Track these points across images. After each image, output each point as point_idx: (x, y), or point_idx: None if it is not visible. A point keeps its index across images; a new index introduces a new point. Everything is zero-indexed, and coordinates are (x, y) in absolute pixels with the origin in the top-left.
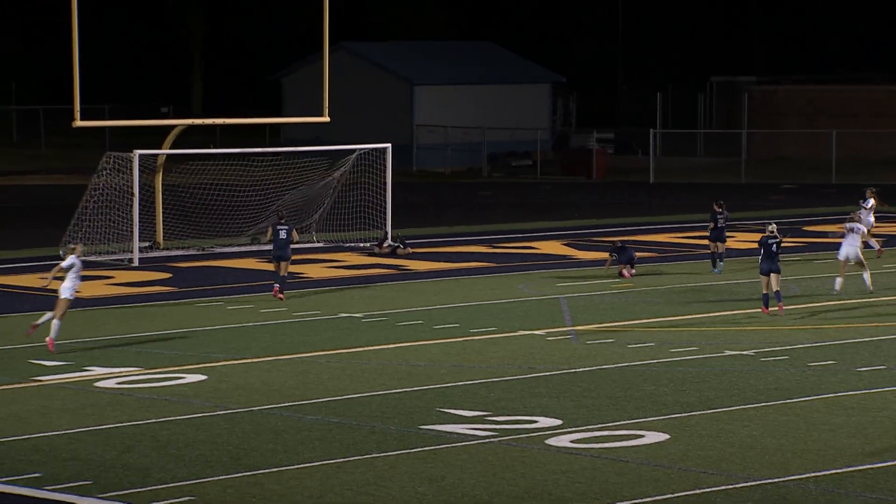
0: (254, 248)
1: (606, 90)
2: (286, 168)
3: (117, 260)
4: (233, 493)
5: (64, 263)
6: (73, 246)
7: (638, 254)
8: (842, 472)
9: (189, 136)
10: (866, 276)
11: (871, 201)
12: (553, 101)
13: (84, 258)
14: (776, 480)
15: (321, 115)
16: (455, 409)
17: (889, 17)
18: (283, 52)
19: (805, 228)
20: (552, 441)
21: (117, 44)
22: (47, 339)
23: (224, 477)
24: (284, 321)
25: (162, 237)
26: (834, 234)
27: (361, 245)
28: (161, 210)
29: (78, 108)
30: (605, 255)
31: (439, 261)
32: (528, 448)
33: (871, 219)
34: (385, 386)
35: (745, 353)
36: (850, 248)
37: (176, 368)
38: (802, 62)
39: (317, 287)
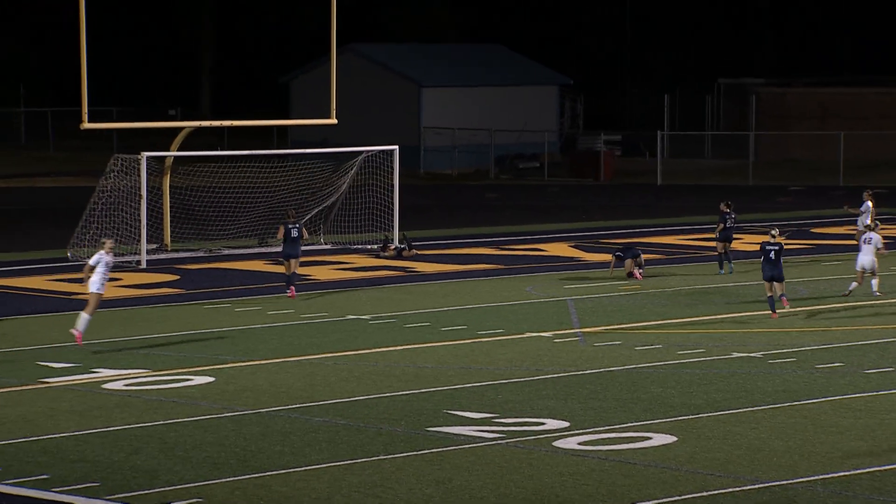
0: (261, 249)
1: (614, 92)
2: (294, 170)
3: (125, 262)
4: (240, 494)
5: (91, 260)
6: (103, 241)
7: (645, 256)
8: (850, 475)
9: (197, 139)
10: (874, 281)
11: (869, 203)
12: (560, 103)
13: (114, 255)
14: (784, 482)
15: (329, 117)
16: (462, 410)
17: None
18: (290, 54)
19: (813, 230)
20: (559, 443)
21: (125, 46)
22: (74, 331)
23: (232, 479)
24: (292, 323)
25: (169, 239)
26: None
27: (368, 247)
28: (169, 212)
29: (86, 111)
30: (610, 257)
31: (447, 263)
32: (536, 450)
33: (868, 221)
34: (392, 388)
35: (752, 355)
36: (865, 257)
37: (183, 370)
38: (810, 64)
39: (324, 289)
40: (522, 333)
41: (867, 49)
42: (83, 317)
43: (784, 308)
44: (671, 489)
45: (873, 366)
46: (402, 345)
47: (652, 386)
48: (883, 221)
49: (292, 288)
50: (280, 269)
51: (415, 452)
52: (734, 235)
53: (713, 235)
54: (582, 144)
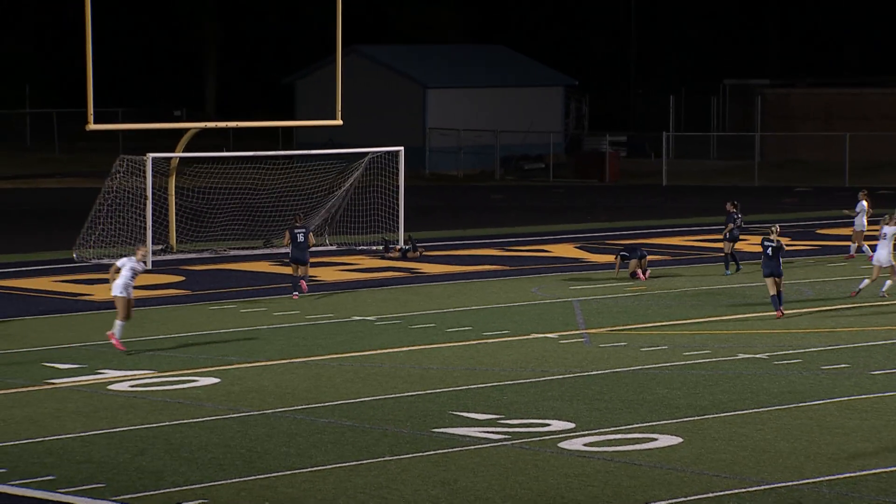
0: (267, 251)
1: (619, 93)
2: (299, 171)
3: None
4: (246, 496)
5: (118, 262)
6: (137, 247)
7: (651, 257)
8: (856, 476)
9: (202, 140)
10: (888, 282)
11: (864, 203)
12: (566, 104)
13: (144, 264)
14: (790, 484)
15: (334, 118)
16: (468, 412)
17: None
18: (296, 55)
19: (818, 231)
20: (565, 444)
21: (131, 47)
22: (109, 333)
23: (237, 480)
24: (297, 324)
25: (175, 240)
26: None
27: (373, 248)
28: (174, 213)
29: (91, 112)
30: (613, 258)
31: (452, 264)
32: (541, 451)
33: (864, 221)
34: (398, 389)
35: (758, 356)
36: (882, 251)
37: (189, 371)
38: (816, 65)
39: (330, 290)
40: (528, 334)
41: (872, 50)
42: (117, 324)
43: (777, 317)
44: (677, 490)
45: (879, 367)
46: (407, 346)
47: (657, 387)
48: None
49: (299, 288)
50: (286, 270)
51: (420, 453)
52: (741, 236)
53: (721, 236)
54: (587, 145)
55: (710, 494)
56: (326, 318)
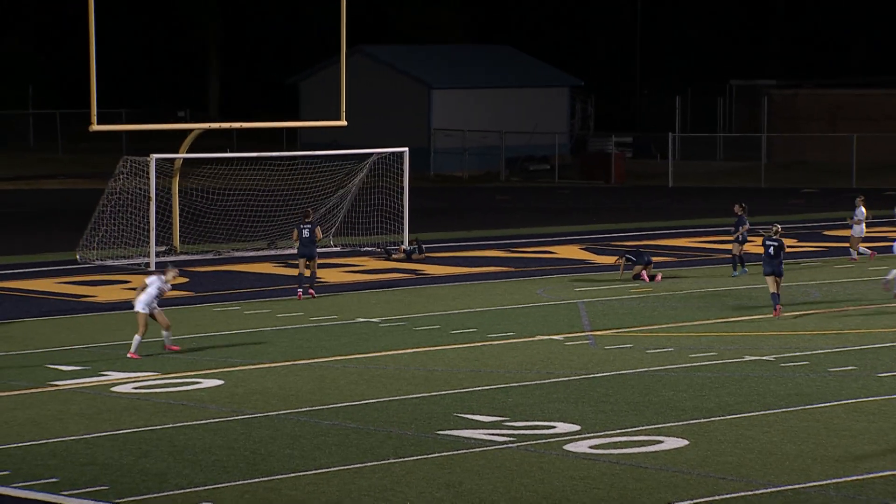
0: (271, 252)
1: (625, 94)
2: (303, 172)
3: (134, 264)
4: (250, 498)
5: (147, 279)
6: (168, 268)
7: (657, 258)
8: (863, 479)
9: (206, 140)
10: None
11: (863, 210)
12: (571, 104)
13: (167, 284)
14: (796, 487)
15: (338, 118)
16: (473, 414)
17: None
18: (300, 55)
19: (826, 233)
20: (570, 447)
21: (134, 48)
22: (130, 353)
23: (241, 482)
24: (301, 326)
25: (179, 241)
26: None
27: (378, 249)
28: (178, 214)
29: (94, 112)
30: (615, 259)
31: (457, 265)
32: (547, 454)
33: (863, 228)
34: (402, 391)
35: (765, 358)
36: None
37: (193, 373)
38: (823, 65)
39: (334, 291)
40: (533, 336)
41: (878, 50)
42: (135, 338)
43: (776, 317)
44: (683, 493)
45: (887, 369)
46: (412, 348)
47: (663, 389)
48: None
49: (300, 292)
50: (289, 271)
51: (425, 456)
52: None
53: (732, 238)
54: (593, 146)
55: (717, 497)
56: (330, 320)
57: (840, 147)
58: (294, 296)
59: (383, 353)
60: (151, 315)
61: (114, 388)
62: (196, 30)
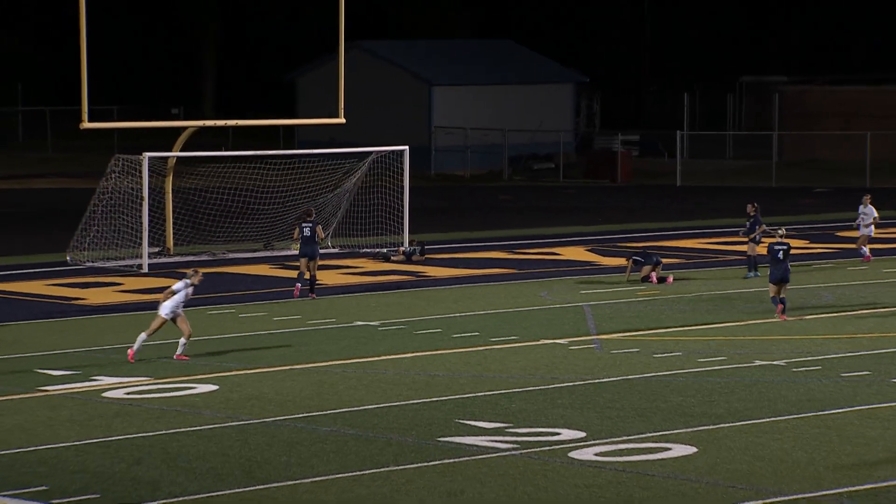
0: (267, 253)
1: (632, 90)
2: (300, 171)
3: (126, 266)
4: None
5: (175, 286)
6: (195, 270)
7: (665, 260)
8: (877, 487)
9: (200, 139)
10: None
11: (871, 209)
12: (576, 101)
13: (190, 284)
14: (808, 495)
15: (336, 116)
16: (475, 420)
17: None
18: (297, 51)
19: (838, 234)
20: (575, 454)
21: (126, 43)
22: (131, 351)
23: (236, 490)
24: (299, 329)
25: (172, 242)
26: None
27: (376, 251)
28: (171, 214)
29: (86, 110)
30: (624, 261)
31: (459, 267)
32: (551, 461)
33: (872, 227)
34: (402, 396)
35: (775, 363)
36: None
37: (186, 378)
38: (836, 61)
39: (332, 294)
40: (537, 340)
41: (893, 46)
42: (142, 336)
43: (781, 320)
44: (691, 502)
45: None
46: (412, 352)
47: (671, 395)
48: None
49: (298, 285)
50: (287, 272)
51: (425, 463)
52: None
53: (746, 238)
54: (598, 144)
55: None
56: (328, 323)
57: (853, 145)
58: (293, 294)
59: (383, 358)
60: (173, 320)
61: (105, 394)
62: (191, 25)
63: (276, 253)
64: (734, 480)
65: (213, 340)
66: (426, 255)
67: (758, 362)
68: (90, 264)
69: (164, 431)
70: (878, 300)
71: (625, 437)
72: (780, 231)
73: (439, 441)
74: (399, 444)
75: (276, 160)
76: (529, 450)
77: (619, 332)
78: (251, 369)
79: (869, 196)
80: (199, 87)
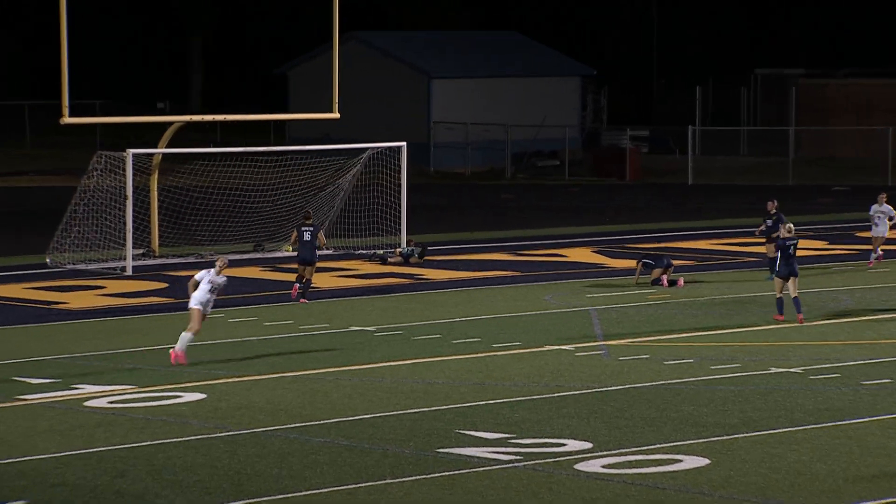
0: (258, 255)
1: (641, 83)
2: (292, 168)
3: (109, 268)
4: None
5: (197, 275)
6: (218, 257)
7: (676, 262)
8: None
9: (187, 134)
10: None
11: (888, 207)
12: (582, 95)
13: (220, 277)
14: None
15: (331, 110)
16: (476, 430)
17: None
18: (289, 43)
19: (858, 235)
20: (582, 466)
21: (110, 35)
22: (171, 351)
23: None
24: (290, 335)
25: (157, 244)
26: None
27: (370, 254)
28: (156, 214)
29: (66, 104)
30: (635, 263)
31: (459, 269)
32: (556, 473)
33: (886, 227)
34: (400, 406)
35: (792, 370)
36: None
37: (172, 386)
38: (855, 53)
39: (326, 298)
40: (541, 346)
41: None
42: (184, 335)
43: (800, 324)
44: None
45: None
46: (410, 359)
47: (683, 404)
48: None
49: (296, 286)
50: (278, 275)
51: (424, 476)
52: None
53: (762, 239)
54: (606, 140)
55: None
56: (322, 329)
57: (874, 141)
58: (291, 295)
59: (379, 365)
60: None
61: (87, 403)
62: (177, 16)
63: (266, 255)
64: (749, 494)
65: (201, 347)
66: (426, 257)
67: (773, 369)
68: (71, 266)
69: (149, 442)
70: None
71: (634, 449)
72: (787, 225)
73: (439, 452)
74: (396, 455)
75: (266, 157)
76: (533, 462)
77: (628, 338)
78: (241, 377)
79: (885, 195)
80: (186, 80)
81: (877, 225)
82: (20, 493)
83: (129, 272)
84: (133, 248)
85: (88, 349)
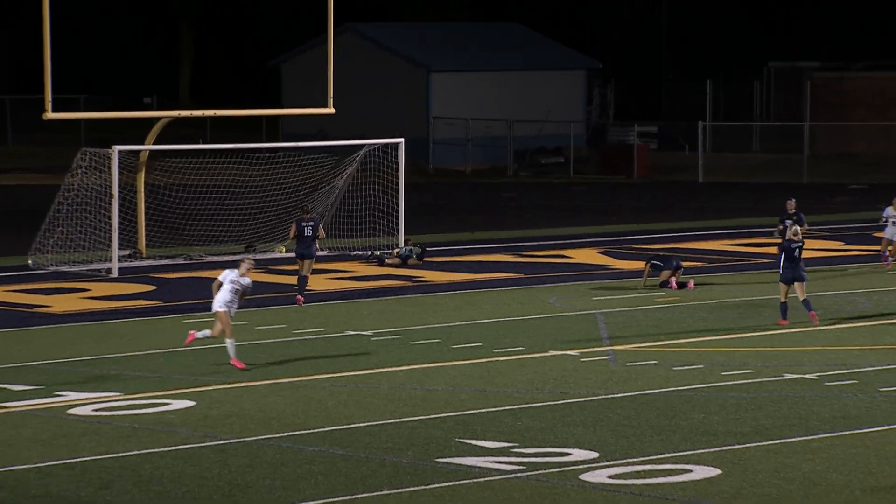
0: (249, 256)
1: (649, 77)
2: (285, 166)
3: (94, 270)
4: None
5: (220, 276)
6: (243, 258)
7: (686, 263)
8: None
9: (175, 130)
10: None
11: None
12: (588, 89)
13: (243, 278)
14: None
15: (325, 105)
16: (477, 439)
17: None
18: (282, 35)
19: (876, 235)
20: (587, 476)
21: (95, 27)
22: (232, 360)
23: None
24: (284, 339)
25: (144, 244)
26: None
27: (367, 254)
28: (143, 214)
29: (49, 99)
30: (643, 265)
31: (459, 271)
32: (560, 484)
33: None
34: (398, 413)
35: (807, 376)
36: None
37: (160, 393)
38: (872, 46)
39: (321, 301)
40: (545, 351)
41: None
42: (228, 343)
43: (814, 324)
44: None
45: None
46: (408, 364)
47: (692, 411)
48: None
49: (300, 298)
50: (271, 277)
51: (423, 486)
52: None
53: (779, 240)
54: (612, 137)
55: None
56: (316, 333)
57: (892, 137)
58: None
59: (376, 371)
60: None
61: (71, 410)
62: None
63: (258, 256)
64: None
65: (190, 352)
66: (425, 258)
67: (787, 376)
68: (54, 268)
69: (135, 452)
70: None
71: (641, 458)
72: (794, 227)
73: (438, 462)
74: (394, 465)
75: (258, 154)
76: (537, 472)
77: (635, 343)
78: (231, 383)
79: None
80: (175, 74)
81: (894, 225)
82: None
83: (115, 274)
84: (119, 248)
85: (72, 355)
